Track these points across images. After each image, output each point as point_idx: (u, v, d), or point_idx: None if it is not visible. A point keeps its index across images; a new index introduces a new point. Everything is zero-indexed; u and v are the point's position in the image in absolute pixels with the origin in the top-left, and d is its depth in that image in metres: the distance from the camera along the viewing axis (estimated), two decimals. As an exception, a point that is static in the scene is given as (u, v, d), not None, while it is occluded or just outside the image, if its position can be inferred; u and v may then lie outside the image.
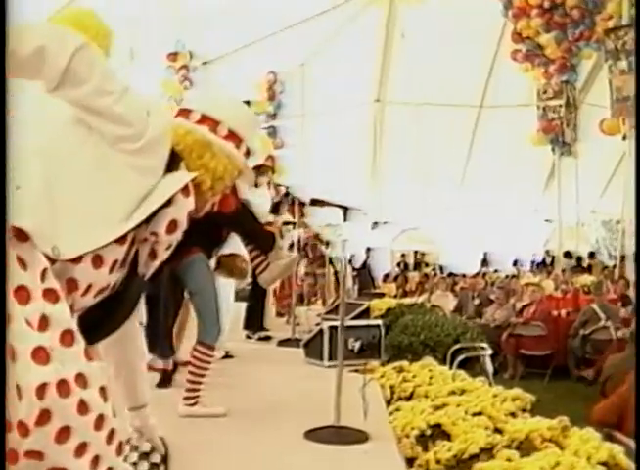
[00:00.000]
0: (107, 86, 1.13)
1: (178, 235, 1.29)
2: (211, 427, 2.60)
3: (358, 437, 2.48)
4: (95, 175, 1.17)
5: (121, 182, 1.18)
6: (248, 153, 1.43)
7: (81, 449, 1.07)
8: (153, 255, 1.30)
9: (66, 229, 1.13)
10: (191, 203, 1.28)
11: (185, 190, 1.26)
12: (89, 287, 1.20)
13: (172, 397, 2.84)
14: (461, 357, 3.84)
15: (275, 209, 5.00)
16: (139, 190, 1.20)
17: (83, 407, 1.06)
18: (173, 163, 1.27)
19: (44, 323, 1.07)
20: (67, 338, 1.10)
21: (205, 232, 2.34)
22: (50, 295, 1.09)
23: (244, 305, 5.34)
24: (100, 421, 1.09)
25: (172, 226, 1.26)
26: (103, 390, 1.12)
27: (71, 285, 1.18)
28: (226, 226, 2.69)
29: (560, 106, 9.48)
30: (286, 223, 5.44)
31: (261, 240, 2.76)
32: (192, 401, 2.75)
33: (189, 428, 2.55)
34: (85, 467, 1.08)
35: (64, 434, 1.05)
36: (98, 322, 1.24)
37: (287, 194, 6.69)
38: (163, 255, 1.29)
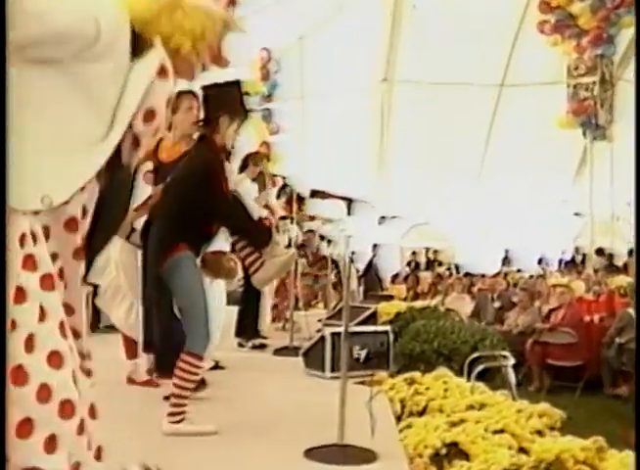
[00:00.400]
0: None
1: (159, 121, 1.30)
2: (200, 446, 2.57)
3: (365, 457, 2.47)
4: (60, 107, 1.20)
5: (89, 100, 1.21)
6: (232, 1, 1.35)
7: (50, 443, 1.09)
8: (136, 143, 1.32)
9: (49, 173, 1.16)
10: (168, 85, 1.30)
11: (161, 72, 1.29)
12: (84, 210, 1.25)
13: (155, 412, 2.80)
14: (480, 368, 3.83)
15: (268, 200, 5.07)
16: (108, 100, 1.23)
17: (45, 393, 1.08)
18: (140, 45, 1.28)
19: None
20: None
21: (192, 226, 2.41)
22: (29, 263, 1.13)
23: (235, 309, 5.31)
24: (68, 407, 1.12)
25: (149, 115, 1.28)
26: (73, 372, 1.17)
27: (71, 225, 1.23)
28: (217, 220, 2.66)
29: (593, 83, 9.25)
30: (283, 218, 5.48)
31: (255, 235, 2.72)
32: (178, 418, 2.73)
33: (174, 448, 2.52)
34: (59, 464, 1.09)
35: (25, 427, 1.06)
36: (94, 228, 1.28)
37: (284, 186, 6.64)
38: (147, 143, 1.32)
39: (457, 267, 12.38)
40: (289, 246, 5.13)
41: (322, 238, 7.54)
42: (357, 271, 10.38)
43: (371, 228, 11.23)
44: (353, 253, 9.61)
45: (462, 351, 4.02)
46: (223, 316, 3.98)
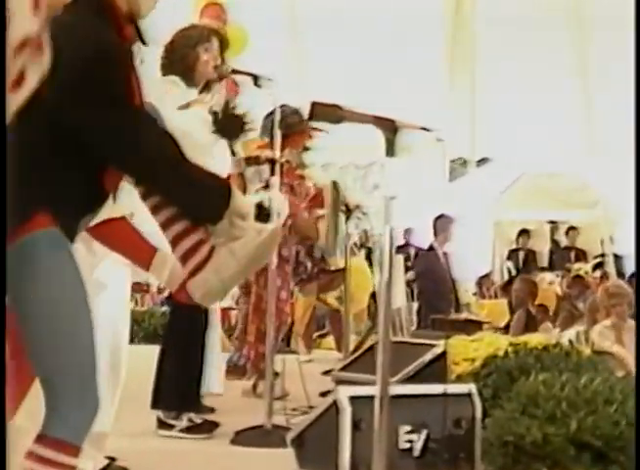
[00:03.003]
0: None
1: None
2: None
3: None
4: None
5: None
6: None
7: None
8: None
9: None
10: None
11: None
12: None
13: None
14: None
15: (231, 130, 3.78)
16: None
17: None
18: None
19: None
20: None
21: (64, 176, 2.00)
22: None
23: (154, 350, 4.19)
24: None
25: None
26: None
27: None
28: (113, 161, 2.10)
29: None
30: (255, 161, 4.31)
31: (193, 197, 2.18)
32: None
33: None
34: None
35: None
36: None
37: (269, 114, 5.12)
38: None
39: (617, 262, 9.02)
40: (266, 217, 3.71)
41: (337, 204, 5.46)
42: (407, 271, 8.39)
43: (434, 182, 8.97)
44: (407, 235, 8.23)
45: (629, 440, 3.23)
46: (124, 362, 3.24)
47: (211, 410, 4.27)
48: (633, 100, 5.48)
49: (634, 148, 5.60)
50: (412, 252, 9.59)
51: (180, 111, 3.39)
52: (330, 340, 7.54)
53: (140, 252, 2.53)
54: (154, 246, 2.46)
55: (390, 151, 2.66)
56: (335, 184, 5.38)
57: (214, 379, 4.44)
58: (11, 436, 1.48)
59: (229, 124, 3.54)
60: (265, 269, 4.17)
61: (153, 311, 8.29)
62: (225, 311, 9.28)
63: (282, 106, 4.48)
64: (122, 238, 2.53)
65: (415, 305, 8.74)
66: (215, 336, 4.52)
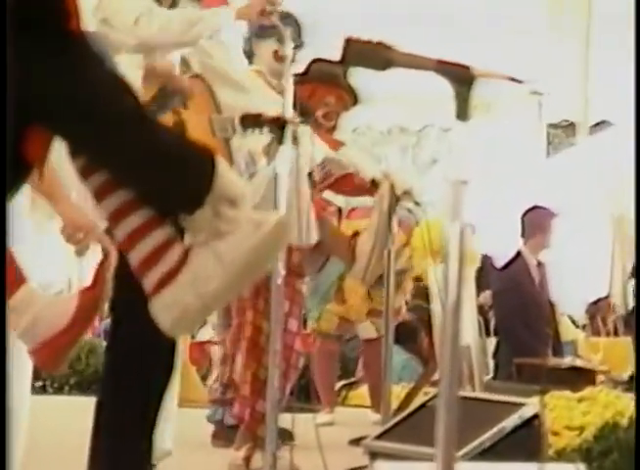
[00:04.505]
0: None
1: None
2: None
3: None
4: None
5: None
6: None
7: None
8: None
9: None
10: None
11: None
12: None
13: None
14: None
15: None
16: None
17: None
18: None
19: None
20: None
21: None
22: None
23: (89, 404, 4.01)
24: None
25: None
26: None
27: None
28: (35, 113, 2.30)
29: None
30: (254, 124, 4.41)
31: (159, 174, 2.36)
32: None
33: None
34: None
35: None
36: None
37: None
38: None
39: None
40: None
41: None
42: (479, 292, 8.85)
43: (527, 157, 9.85)
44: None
45: None
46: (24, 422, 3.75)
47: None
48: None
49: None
50: (486, 262, 9.60)
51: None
52: (362, 392, 7.71)
53: None
54: (23, 275, 2.64)
55: (462, 110, 2.57)
56: (392, 188, 5.43)
57: (166, 435, 4.62)
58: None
59: None
60: (266, 285, 4.27)
61: (92, 346, 8.39)
62: (199, 347, 9.25)
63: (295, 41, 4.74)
64: None
65: (492, 343, 8.85)
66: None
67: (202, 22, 3.91)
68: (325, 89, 5.35)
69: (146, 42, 3.85)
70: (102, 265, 3.16)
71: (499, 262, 9.36)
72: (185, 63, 4.30)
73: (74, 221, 3.21)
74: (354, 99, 5.77)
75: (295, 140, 4.31)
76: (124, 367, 3.91)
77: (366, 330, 6.89)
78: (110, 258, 3.11)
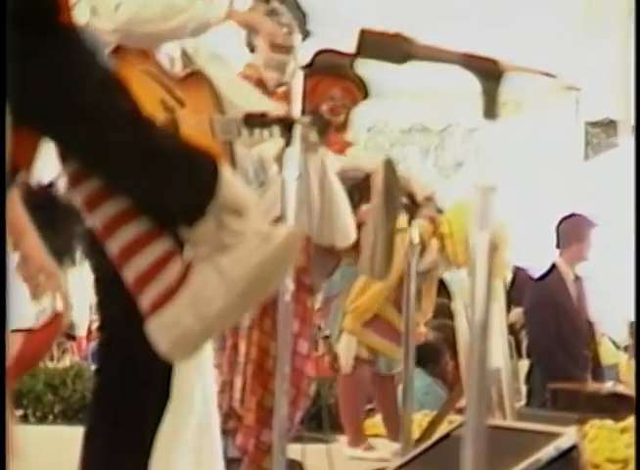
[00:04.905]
0: None
1: None
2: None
3: None
4: None
5: None
6: None
7: None
8: None
9: None
10: None
11: None
12: None
13: None
14: None
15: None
16: None
17: None
18: None
19: None
20: None
21: None
22: None
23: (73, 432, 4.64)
24: None
25: None
26: None
27: None
28: (21, 112, 2.37)
29: None
30: (260, 123, 4.37)
31: (155, 180, 2.42)
32: None
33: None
34: None
35: None
36: None
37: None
38: None
39: None
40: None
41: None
42: (509, 308, 9.01)
43: (562, 159, 9.73)
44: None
45: None
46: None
47: None
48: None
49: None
50: (517, 275, 9.67)
51: None
52: (377, 421, 7.66)
53: None
54: None
55: (490, 108, 2.56)
56: (388, 163, 5.43)
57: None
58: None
59: None
60: (273, 302, 4.25)
61: (80, 370, 8.37)
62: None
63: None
64: None
65: (524, 366, 8.83)
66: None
67: (187, 11, 3.95)
68: (329, 81, 5.35)
69: (124, 28, 3.90)
70: (55, 318, 3.21)
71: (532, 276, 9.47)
72: (186, 55, 4.25)
73: (38, 261, 3.14)
74: (364, 92, 5.72)
75: (304, 142, 4.29)
76: (116, 393, 4.07)
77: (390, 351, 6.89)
78: (65, 314, 3.13)
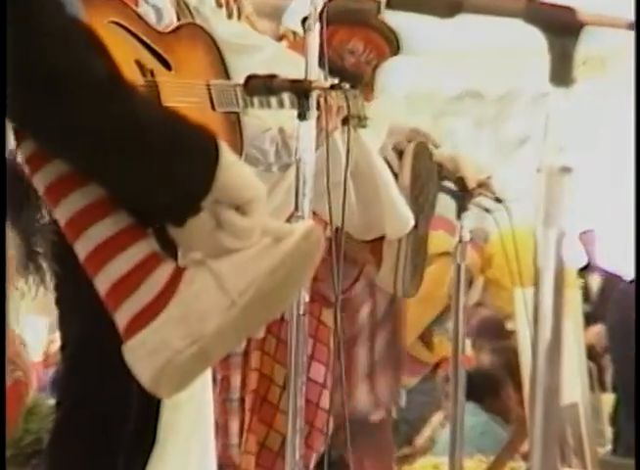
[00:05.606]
0: None
1: None
2: None
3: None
4: None
5: None
6: None
7: None
8: None
9: None
10: None
11: None
12: None
13: None
14: None
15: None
16: None
17: None
18: None
19: None
20: None
21: None
22: None
23: None
24: None
25: None
26: None
27: None
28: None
29: None
30: (265, 89, 4.43)
31: (139, 165, 2.49)
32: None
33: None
34: None
35: None
36: None
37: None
38: None
39: None
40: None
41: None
42: (588, 325, 9.13)
43: None
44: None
45: None
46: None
47: None
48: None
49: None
50: (597, 282, 9.77)
51: None
52: (428, 460, 7.68)
53: None
54: None
55: (562, 71, 2.48)
56: (421, 147, 5.43)
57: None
58: None
59: None
60: (280, 321, 4.36)
61: (34, 405, 8.47)
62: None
63: None
64: None
65: (608, 401, 8.81)
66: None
67: None
68: (348, 31, 5.19)
69: None
70: (15, 389, 3.27)
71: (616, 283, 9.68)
72: (180, 4, 4.23)
73: None
74: (394, 45, 5.56)
75: (322, 114, 4.27)
76: (82, 433, 4.05)
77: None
78: (28, 386, 3.25)
